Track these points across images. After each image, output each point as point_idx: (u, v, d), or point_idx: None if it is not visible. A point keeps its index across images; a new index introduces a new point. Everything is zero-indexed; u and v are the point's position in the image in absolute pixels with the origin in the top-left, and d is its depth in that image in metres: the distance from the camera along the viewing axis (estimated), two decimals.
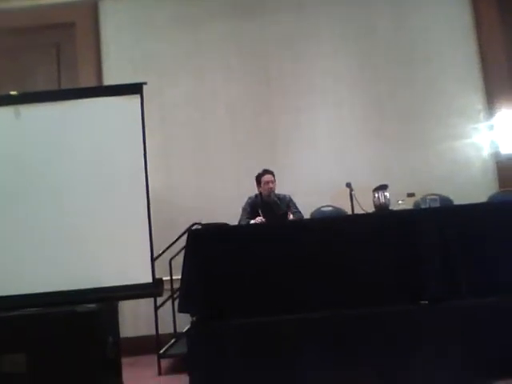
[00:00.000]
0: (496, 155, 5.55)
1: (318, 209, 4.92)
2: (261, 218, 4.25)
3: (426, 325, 3.37)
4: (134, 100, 3.82)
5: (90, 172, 3.81)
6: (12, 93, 4.08)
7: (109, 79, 5.55)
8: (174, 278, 4.45)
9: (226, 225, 4.35)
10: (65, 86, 5.58)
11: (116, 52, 5.68)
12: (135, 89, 3.84)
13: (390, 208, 3.99)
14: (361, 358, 3.30)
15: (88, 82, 5.42)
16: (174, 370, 4.40)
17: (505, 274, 3.46)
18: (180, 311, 3.68)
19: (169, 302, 4.60)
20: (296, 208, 4.54)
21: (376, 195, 4.02)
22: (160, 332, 4.49)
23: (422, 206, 4.10)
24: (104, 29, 5.74)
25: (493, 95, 5.63)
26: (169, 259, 4.53)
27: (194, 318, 3.68)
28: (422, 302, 3.49)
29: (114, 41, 5.69)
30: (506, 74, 5.66)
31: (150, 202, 3.85)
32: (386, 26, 5.74)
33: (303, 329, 3.39)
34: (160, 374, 4.31)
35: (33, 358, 3.23)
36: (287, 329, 3.39)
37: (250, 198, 4.58)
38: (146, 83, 3.83)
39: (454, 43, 5.73)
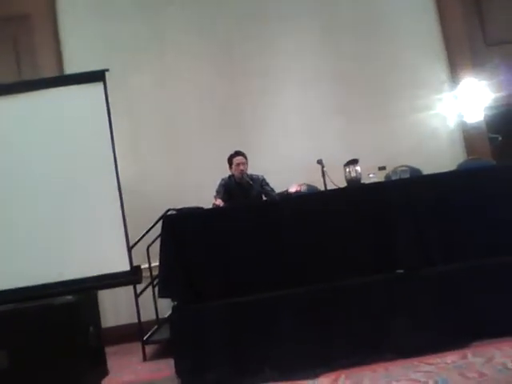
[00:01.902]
0: (462, 125, 5.66)
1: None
2: (220, 200, 4.22)
3: (402, 293, 3.45)
4: (98, 88, 3.73)
5: (58, 164, 3.72)
6: None
7: (70, 68, 5.41)
8: (152, 265, 4.44)
9: (200, 208, 4.34)
10: (25, 78, 5.39)
11: (76, 40, 5.55)
12: (97, 76, 3.74)
13: (362, 182, 4.04)
14: (340, 329, 3.36)
15: (49, 72, 5.29)
16: (159, 355, 4.42)
17: (476, 239, 3.56)
18: (160, 296, 3.70)
19: (149, 289, 4.59)
20: (269, 187, 4.55)
21: (347, 170, 4.07)
22: (142, 319, 4.50)
23: (393, 178, 4.17)
24: (62, 17, 5.60)
25: (456, 66, 5.73)
26: (146, 247, 4.51)
27: (175, 303, 3.69)
28: (398, 271, 3.57)
29: (73, 29, 5.56)
30: (467, 44, 5.77)
31: (122, 190, 3.80)
32: (348, 3, 5.76)
33: (282, 306, 3.43)
34: (145, 360, 4.32)
35: (14, 354, 3.19)
36: (267, 306, 3.43)
37: (223, 179, 4.57)
38: (107, 70, 3.75)
39: (416, 16, 5.80)
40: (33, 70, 5.49)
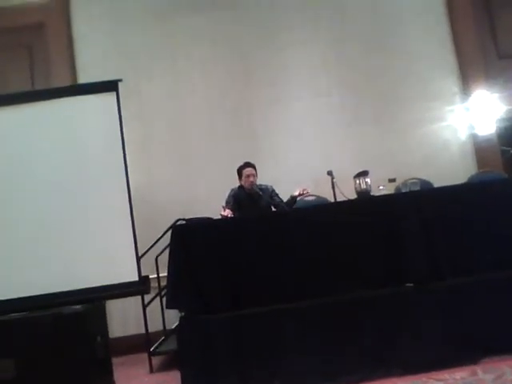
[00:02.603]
0: (473, 137, 5.62)
1: (301, 198, 4.92)
2: (228, 211, 4.22)
3: (412, 307, 3.41)
4: (110, 97, 3.77)
5: (70, 173, 3.77)
6: None
7: (83, 78, 5.47)
8: (160, 275, 4.44)
9: (209, 219, 4.35)
10: (39, 87, 5.49)
11: (89, 50, 5.60)
12: (111, 86, 3.79)
13: (372, 194, 4.02)
14: (348, 343, 3.33)
15: (62, 81, 5.33)
16: (166, 366, 4.40)
17: (487, 254, 3.51)
18: (168, 307, 3.69)
19: (157, 300, 4.58)
20: (279, 198, 4.55)
21: (357, 182, 4.05)
22: (150, 330, 4.49)
23: (403, 191, 4.14)
24: (76, 27, 5.66)
25: (468, 78, 5.70)
26: (155, 257, 4.52)
27: (183, 314, 3.68)
28: (407, 284, 3.54)
29: (87, 39, 5.61)
30: (479, 56, 5.73)
31: (132, 199, 3.82)
32: (360, 13, 5.76)
33: (290, 318, 3.41)
34: (152, 371, 4.31)
35: (21, 363, 3.20)
36: (275, 319, 3.41)
37: (232, 189, 4.57)
38: (121, 80, 3.79)
39: (428, 28, 5.78)
40: (46, 78, 5.55)
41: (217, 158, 5.47)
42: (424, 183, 4.60)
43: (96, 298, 3.52)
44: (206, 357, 3.37)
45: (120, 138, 3.75)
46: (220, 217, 4.15)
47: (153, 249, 4.58)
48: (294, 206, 4.55)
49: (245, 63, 5.67)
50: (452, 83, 5.71)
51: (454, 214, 3.60)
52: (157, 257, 4.51)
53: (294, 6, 5.72)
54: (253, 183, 4.50)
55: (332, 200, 4.22)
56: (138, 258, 3.68)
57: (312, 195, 4.96)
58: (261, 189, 4.52)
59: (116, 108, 3.78)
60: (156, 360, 4.45)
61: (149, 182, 5.34)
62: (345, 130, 5.58)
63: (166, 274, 3.68)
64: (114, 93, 3.81)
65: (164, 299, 4.02)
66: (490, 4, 5.86)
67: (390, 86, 5.67)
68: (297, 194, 4.34)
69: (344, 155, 5.41)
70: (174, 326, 4.36)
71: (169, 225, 4.38)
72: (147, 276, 3.87)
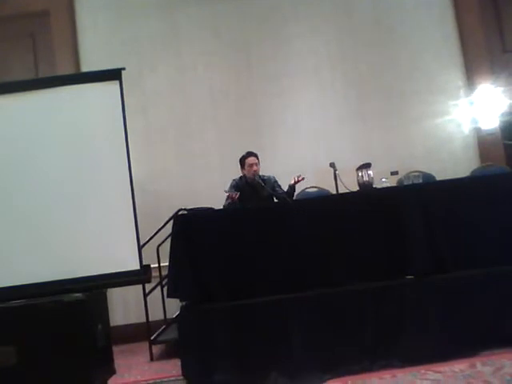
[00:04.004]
0: (477, 131, 5.60)
1: (303, 190, 4.93)
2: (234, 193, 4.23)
3: (413, 299, 3.42)
4: (113, 86, 3.74)
5: (72, 161, 3.75)
6: None
7: (87, 67, 5.47)
8: (162, 264, 4.46)
9: (211, 209, 4.35)
10: (42, 75, 5.49)
11: (93, 39, 5.59)
12: (114, 75, 3.75)
13: (374, 186, 4.01)
14: (348, 334, 3.35)
15: (66, 70, 5.32)
16: (166, 355, 4.43)
17: (487, 247, 3.52)
18: (169, 297, 3.71)
19: (158, 289, 4.60)
20: (281, 189, 4.54)
21: (360, 174, 4.05)
22: (150, 319, 4.52)
23: (406, 183, 4.14)
24: (79, 16, 5.64)
25: (472, 71, 5.67)
26: (156, 246, 4.53)
27: (184, 303, 3.70)
28: (408, 276, 3.54)
29: (91, 28, 5.60)
30: (484, 50, 5.69)
31: (135, 189, 3.82)
32: (365, 6, 5.72)
33: (292, 309, 3.43)
34: (152, 359, 4.34)
35: (22, 350, 3.21)
36: (276, 309, 3.42)
37: (234, 180, 4.57)
38: (124, 69, 3.77)
39: (433, 21, 5.74)
40: (50, 67, 5.54)
41: (219, 148, 5.48)
42: (426, 176, 4.61)
43: (97, 286, 3.51)
44: (207, 346, 3.39)
45: (123, 126, 3.72)
46: (227, 199, 4.21)
47: (154, 238, 4.60)
48: (296, 196, 4.55)
49: (248, 55, 5.65)
50: (456, 77, 5.68)
51: (456, 208, 3.61)
52: (158, 246, 4.52)
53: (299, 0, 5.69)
54: (256, 172, 4.50)
55: (334, 192, 4.21)
56: (140, 247, 3.67)
57: (314, 187, 4.97)
58: (263, 179, 4.52)
59: (119, 97, 3.75)
60: (156, 348, 4.48)
61: (151, 172, 5.34)
62: (348, 122, 5.57)
63: (167, 264, 3.69)
64: (118, 81, 3.77)
65: (165, 288, 4.05)
66: None
67: (395, 79, 5.64)
68: (293, 182, 4.35)
69: (347, 148, 5.41)
70: (174, 316, 4.39)
71: (170, 215, 4.40)
72: (148, 265, 3.86)
